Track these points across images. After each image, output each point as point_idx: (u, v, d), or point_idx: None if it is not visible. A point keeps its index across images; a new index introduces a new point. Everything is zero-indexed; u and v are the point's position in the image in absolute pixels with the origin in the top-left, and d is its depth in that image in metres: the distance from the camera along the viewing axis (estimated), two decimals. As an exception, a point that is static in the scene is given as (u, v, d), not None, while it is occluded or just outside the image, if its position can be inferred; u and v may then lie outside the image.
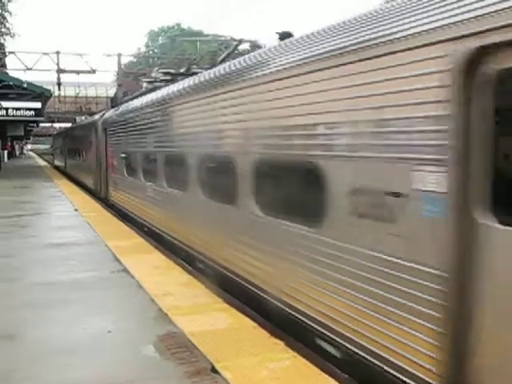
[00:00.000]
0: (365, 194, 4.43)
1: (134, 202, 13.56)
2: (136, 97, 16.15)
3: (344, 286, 4.71)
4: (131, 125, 13.78)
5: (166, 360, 4.70)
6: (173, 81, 12.65)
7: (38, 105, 27.71)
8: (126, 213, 14.71)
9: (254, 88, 6.49)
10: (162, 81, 13.74)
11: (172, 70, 14.54)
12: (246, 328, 5.48)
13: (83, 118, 35.86)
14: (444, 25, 3.62)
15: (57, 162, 47.52)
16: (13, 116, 27.24)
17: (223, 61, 10.77)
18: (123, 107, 16.14)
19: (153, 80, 15.16)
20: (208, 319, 5.73)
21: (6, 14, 46.99)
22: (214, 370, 4.46)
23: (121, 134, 15.41)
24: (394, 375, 4.11)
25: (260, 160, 6.39)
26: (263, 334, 5.30)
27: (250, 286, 6.62)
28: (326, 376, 4.34)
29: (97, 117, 21.89)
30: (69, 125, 47.66)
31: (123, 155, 14.97)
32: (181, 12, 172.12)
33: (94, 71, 35.22)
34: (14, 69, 36.45)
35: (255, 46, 11.15)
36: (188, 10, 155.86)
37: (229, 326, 5.55)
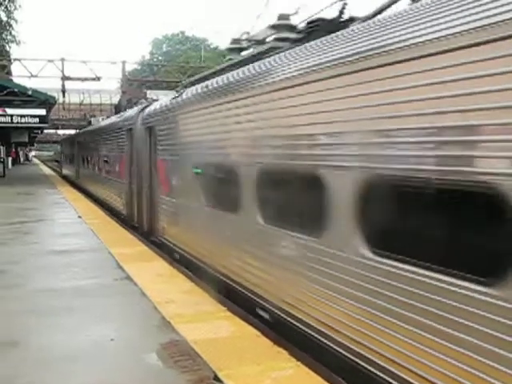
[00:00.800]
0: None
1: (237, 257, 7.32)
2: (221, 72, 9.74)
3: None
4: (228, 115, 7.58)
5: (168, 368, 4.69)
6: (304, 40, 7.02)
7: (42, 112, 27.80)
8: (202, 268, 8.51)
9: None
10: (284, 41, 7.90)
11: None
12: (249, 336, 5.47)
13: (101, 118, 29.30)
14: None
15: (65, 171, 41.45)
16: (17, 123, 27.32)
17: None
18: (194, 90, 9.73)
19: (260, 39, 8.91)
20: (211, 327, 5.72)
21: (12, 22, 47.23)
22: (216, 379, 4.44)
23: (192, 134, 9.31)
24: None
25: None
26: (266, 342, 5.29)
27: None
28: (329, 385, 4.33)
29: (132, 112, 15.78)
30: (72, 131, 47.77)
31: (198, 170, 8.95)
32: (185, 20, 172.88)
33: (98, 78, 35.42)
34: (19, 75, 36.68)
35: None
36: (192, 18, 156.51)
37: (232, 334, 5.53)
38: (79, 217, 15.17)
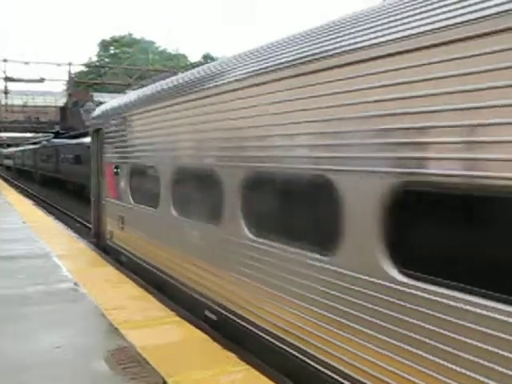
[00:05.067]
0: None
1: None
2: None
3: None
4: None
5: (117, 375, 4.65)
6: None
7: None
8: None
9: None
10: None
11: None
12: (198, 341, 5.48)
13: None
14: None
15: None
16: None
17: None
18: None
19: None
20: (159, 333, 5.71)
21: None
22: (166, 385, 4.45)
23: None
24: None
25: None
26: (215, 346, 5.32)
27: None
28: (278, 387, 4.40)
29: None
30: (17, 134, 46.39)
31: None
32: (133, 22, 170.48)
33: (42, 80, 34.63)
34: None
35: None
36: (141, 20, 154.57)
37: (180, 339, 5.54)
38: (24, 222, 14.82)
